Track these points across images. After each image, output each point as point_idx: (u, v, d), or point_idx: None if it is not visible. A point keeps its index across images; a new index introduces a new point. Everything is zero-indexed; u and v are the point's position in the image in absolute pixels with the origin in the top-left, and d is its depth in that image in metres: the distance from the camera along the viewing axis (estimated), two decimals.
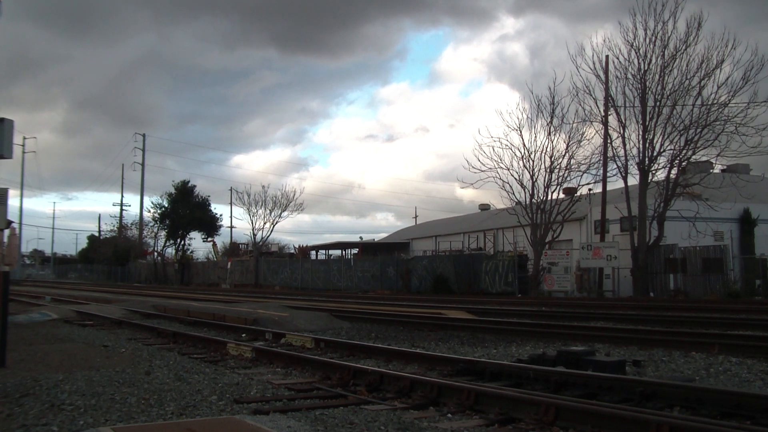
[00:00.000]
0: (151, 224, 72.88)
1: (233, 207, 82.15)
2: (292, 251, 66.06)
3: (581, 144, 32.00)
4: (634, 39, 28.44)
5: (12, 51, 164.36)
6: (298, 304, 21.51)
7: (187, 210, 68.28)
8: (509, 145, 33.51)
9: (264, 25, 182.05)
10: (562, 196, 33.32)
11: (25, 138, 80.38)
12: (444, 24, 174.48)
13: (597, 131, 31.63)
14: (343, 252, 62.16)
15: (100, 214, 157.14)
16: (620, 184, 30.62)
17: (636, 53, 28.49)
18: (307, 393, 6.94)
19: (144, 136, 76.23)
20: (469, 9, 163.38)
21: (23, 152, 79.51)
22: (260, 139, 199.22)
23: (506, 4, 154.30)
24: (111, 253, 79.11)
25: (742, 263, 30.85)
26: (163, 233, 71.19)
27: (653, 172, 28.62)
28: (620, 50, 29.14)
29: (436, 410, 6.05)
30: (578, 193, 33.44)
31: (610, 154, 30.85)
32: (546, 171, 32.28)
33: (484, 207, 58.78)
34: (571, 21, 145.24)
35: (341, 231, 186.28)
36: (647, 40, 28.18)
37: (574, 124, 31.60)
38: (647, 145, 28.31)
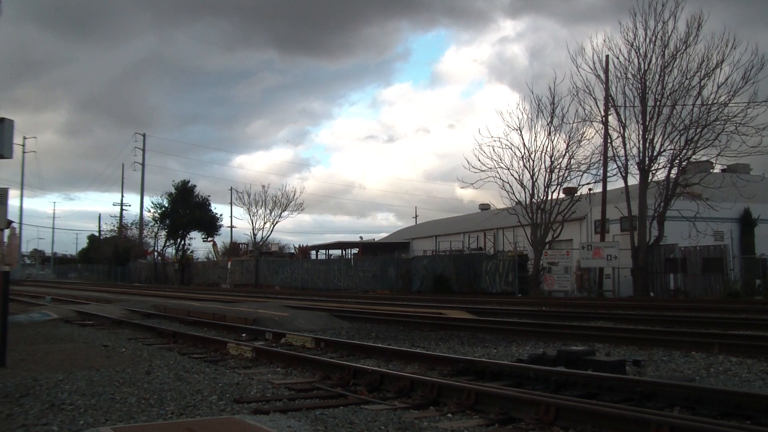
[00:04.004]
0: (152, 224, 72.99)
1: (233, 207, 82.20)
2: (293, 251, 66.08)
3: (581, 144, 32.10)
4: (634, 39, 28.51)
5: (15, 53, 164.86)
6: (298, 304, 21.51)
7: (188, 210, 68.30)
8: (509, 144, 33.62)
9: (264, 26, 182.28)
10: (562, 196, 33.34)
11: (25, 138, 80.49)
12: (441, 25, 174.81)
13: (597, 131, 31.71)
14: (344, 252, 62.16)
15: (100, 214, 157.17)
16: (620, 183, 30.69)
17: (636, 53, 28.55)
18: (307, 393, 6.94)
19: (144, 135, 76.23)
20: (465, 11, 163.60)
21: (23, 152, 79.58)
22: (262, 139, 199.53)
23: (502, 6, 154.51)
24: (111, 253, 79.10)
25: (742, 263, 30.84)
26: (163, 233, 71.30)
27: (653, 171, 28.66)
28: (620, 50, 29.22)
29: (437, 410, 6.05)
30: (578, 193, 33.46)
31: (610, 154, 30.90)
32: (546, 171, 32.35)
33: (484, 207, 58.77)
34: (568, 23, 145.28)
35: (342, 231, 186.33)
36: (647, 39, 28.23)
37: (574, 124, 31.69)
38: (647, 145, 28.33)
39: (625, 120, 29.18)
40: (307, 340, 11.22)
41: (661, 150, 28.40)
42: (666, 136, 28.24)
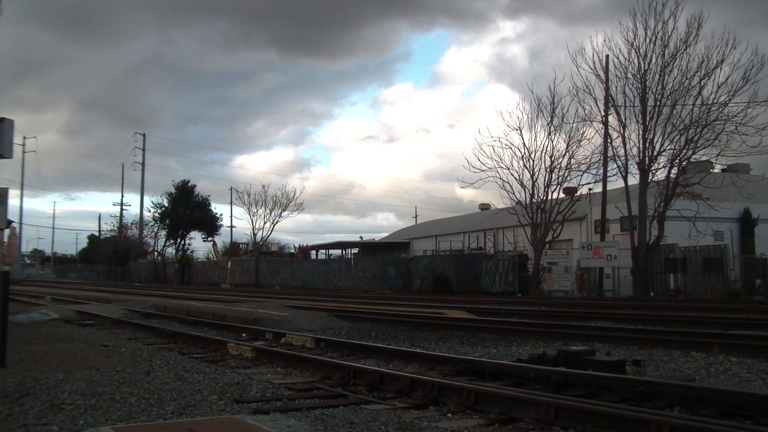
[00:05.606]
0: (152, 224, 72.93)
1: (234, 207, 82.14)
2: (293, 251, 66.08)
3: (581, 144, 32.08)
4: (635, 38, 28.50)
5: (17, 53, 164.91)
6: (299, 304, 21.50)
7: (187, 210, 68.24)
8: (509, 144, 33.68)
9: (264, 27, 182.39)
10: (562, 195, 33.33)
11: (25, 138, 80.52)
12: (441, 25, 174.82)
13: (597, 131, 31.71)
14: (344, 252, 62.14)
15: (100, 214, 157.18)
16: (620, 183, 30.68)
17: (636, 53, 28.54)
18: (308, 393, 6.94)
19: (144, 135, 76.35)
20: (464, 11, 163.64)
21: (23, 152, 79.63)
22: (263, 139, 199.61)
23: (501, 7, 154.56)
24: (111, 253, 79.09)
25: (742, 263, 30.84)
26: (163, 233, 71.21)
27: (653, 171, 28.66)
28: (620, 50, 29.20)
29: (437, 410, 6.05)
30: (578, 193, 33.45)
31: (610, 153, 30.90)
32: (546, 171, 32.33)
33: (484, 207, 58.77)
34: (567, 23, 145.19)
35: (342, 231, 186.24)
36: (647, 39, 28.22)
37: (574, 124, 31.68)
38: (647, 145, 28.33)
39: (625, 120, 29.22)
40: (307, 340, 11.22)
41: (661, 150, 28.42)
42: (666, 136, 28.26)
